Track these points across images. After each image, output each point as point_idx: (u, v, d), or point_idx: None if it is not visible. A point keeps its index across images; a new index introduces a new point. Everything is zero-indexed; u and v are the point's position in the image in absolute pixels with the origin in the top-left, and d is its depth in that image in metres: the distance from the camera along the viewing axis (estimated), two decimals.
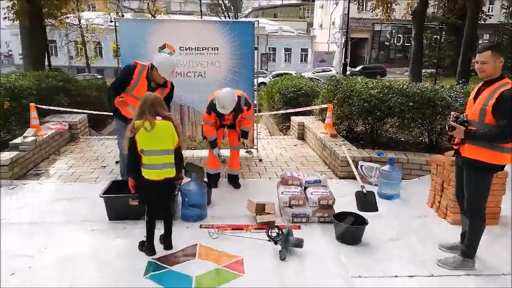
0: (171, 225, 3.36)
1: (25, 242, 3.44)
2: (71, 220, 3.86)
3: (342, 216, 3.62)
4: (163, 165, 3.11)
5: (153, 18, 22.42)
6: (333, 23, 37.93)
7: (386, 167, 4.55)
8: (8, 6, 11.62)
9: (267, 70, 32.56)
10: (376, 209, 4.12)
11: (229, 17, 41.27)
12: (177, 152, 3.23)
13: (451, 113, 3.08)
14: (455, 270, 3.09)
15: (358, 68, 30.16)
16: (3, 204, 4.17)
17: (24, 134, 5.57)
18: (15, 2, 11.08)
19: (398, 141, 6.05)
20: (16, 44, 29.83)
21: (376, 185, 4.75)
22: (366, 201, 4.19)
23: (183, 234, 3.55)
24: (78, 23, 25.86)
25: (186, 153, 6.06)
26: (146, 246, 3.24)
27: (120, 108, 4.23)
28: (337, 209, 3.87)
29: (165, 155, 3.12)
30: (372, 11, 18.79)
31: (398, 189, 4.55)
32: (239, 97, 4.41)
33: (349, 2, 22.67)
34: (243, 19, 38.10)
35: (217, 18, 34.88)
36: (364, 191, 4.28)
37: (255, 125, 6.25)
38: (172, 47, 5.59)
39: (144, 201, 3.27)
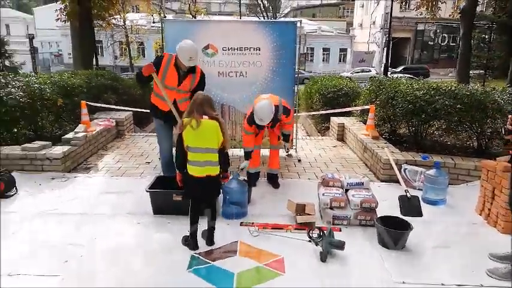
0: (214, 222, 3.43)
1: (76, 232, 3.63)
2: (117, 213, 4.03)
3: (384, 220, 3.54)
4: (205, 163, 3.20)
5: (195, 19, 22.86)
6: (374, 22, 37.04)
7: (432, 171, 4.40)
8: (60, 8, 12.29)
9: (304, 70, 32.33)
10: (420, 214, 3.99)
11: (267, 17, 41.33)
12: (222, 151, 3.30)
13: (509, 116, 2.93)
14: (506, 281, 2.94)
15: (399, 69, 29.28)
16: (57, 195, 4.44)
17: (75, 130, 5.88)
18: (67, 4, 11.71)
19: (444, 144, 5.82)
20: (66, 44, 31.52)
21: (420, 190, 4.60)
22: (410, 205, 4.07)
23: (224, 231, 3.62)
24: (123, 24, 26.86)
25: None
26: (189, 241, 3.33)
27: (146, 73, 4.09)
28: (379, 212, 3.79)
29: (208, 153, 3.20)
30: (416, 10, 18.14)
31: (444, 195, 4.39)
32: (277, 106, 4.39)
33: (392, 1, 22.01)
34: (282, 19, 38.04)
35: (257, 19, 35.04)
36: (408, 195, 4.16)
37: (294, 125, 6.23)
38: (215, 47, 5.73)
39: (188, 196, 3.38)
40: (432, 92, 5.36)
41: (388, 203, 4.17)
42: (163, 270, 3.04)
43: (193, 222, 3.33)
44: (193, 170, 3.22)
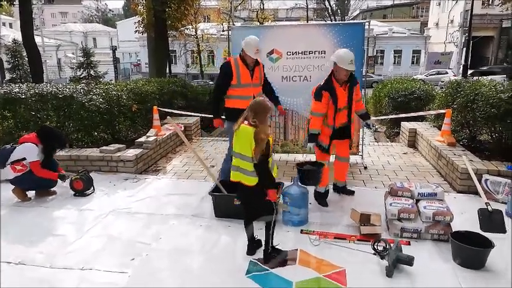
0: (268, 230, 3.22)
1: (144, 230, 3.82)
2: (182, 214, 4.17)
3: (461, 236, 3.21)
4: (237, 168, 3.11)
5: (262, 25, 23.22)
6: (452, 21, 34.51)
7: None
8: (138, 20, 13.25)
9: (373, 73, 31.15)
10: (503, 230, 3.55)
11: (335, 20, 40.56)
12: (257, 165, 3.04)
13: None
14: None
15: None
16: (128, 195, 4.72)
17: (147, 134, 6.24)
18: (145, 17, 12.58)
19: None
20: (144, 54, 33.83)
21: (504, 203, 4.14)
22: (492, 220, 3.63)
23: (284, 238, 3.55)
24: (195, 33, 28.18)
25: (288, 158, 6.11)
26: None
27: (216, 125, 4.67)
28: (455, 227, 3.46)
29: (240, 159, 3.08)
30: (501, 6, 16.56)
31: None
32: None
33: None
34: (351, 21, 37.07)
35: (324, 23, 34.58)
36: (489, 208, 3.73)
37: (361, 130, 5.98)
38: (279, 52, 5.72)
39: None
40: None
41: (465, 217, 3.82)
42: (222, 274, 3.06)
43: (246, 227, 3.31)
44: (231, 173, 3.21)
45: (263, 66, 4.74)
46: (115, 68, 28.17)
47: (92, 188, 4.81)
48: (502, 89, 5.07)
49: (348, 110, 4.21)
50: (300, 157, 6.03)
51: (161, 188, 4.98)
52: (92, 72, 20.16)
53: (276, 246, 3.30)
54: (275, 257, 3.19)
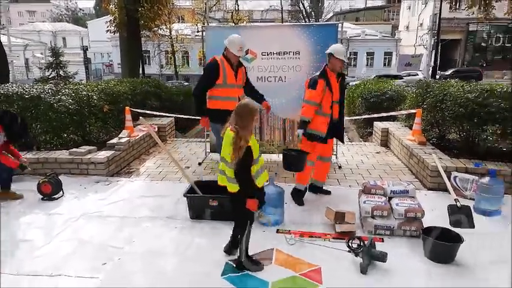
0: (241, 238, 3.09)
1: (116, 234, 3.72)
2: (156, 216, 4.09)
3: (432, 231, 3.29)
4: (222, 172, 3.06)
5: (236, 25, 23.17)
6: (421, 24, 35.62)
7: (486, 180, 4.06)
8: (110, 20, 12.93)
9: (346, 75, 31.69)
10: (472, 226, 3.67)
11: (310, 22, 41.04)
12: (235, 171, 2.92)
13: None
14: None
15: (449, 72, 27.83)
16: (100, 198, 4.58)
17: (119, 135, 6.08)
18: (116, 16, 12.30)
19: (499, 151, 5.37)
20: (116, 54, 33.10)
21: (472, 199, 4.28)
22: (461, 216, 3.76)
23: (260, 238, 3.52)
24: (169, 34, 27.79)
25: (264, 158, 6.09)
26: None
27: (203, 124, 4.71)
28: (426, 223, 3.54)
29: (223, 163, 3.02)
30: (467, 10, 17.16)
31: (499, 205, 4.03)
32: None
33: (441, 1, 21.01)
34: (324, 23, 37.57)
35: (298, 23, 34.83)
36: (458, 204, 3.85)
37: None
38: (254, 52, 5.72)
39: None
40: (486, 95, 4.97)
41: (435, 213, 3.92)
42: (197, 275, 3.01)
43: (234, 228, 3.28)
44: (218, 176, 3.15)
45: (245, 68, 4.74)
46: (86, 68, 27.40)
47: (61, 191, 4.64)
48: (469, 89, 5.25)
49: (339, 105, 4.30)
50: (276, 157, 6.03)
51: (134, 190, 4.86)
52: (61, 72, 19.46)
53: (254, 257, 3.18)
54: (247, 269, 3.08)
